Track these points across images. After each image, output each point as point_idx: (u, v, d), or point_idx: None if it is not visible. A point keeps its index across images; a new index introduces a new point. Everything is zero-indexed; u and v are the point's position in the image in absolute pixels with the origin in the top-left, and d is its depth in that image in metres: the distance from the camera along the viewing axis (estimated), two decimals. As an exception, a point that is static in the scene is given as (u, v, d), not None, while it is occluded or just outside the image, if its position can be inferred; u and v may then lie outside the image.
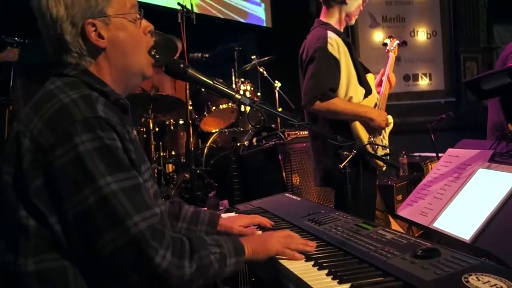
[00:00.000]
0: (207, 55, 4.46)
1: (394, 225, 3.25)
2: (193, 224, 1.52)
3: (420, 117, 5.53)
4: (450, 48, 6.92)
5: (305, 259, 1.24)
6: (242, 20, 6.35)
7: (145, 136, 4.06)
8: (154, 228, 1.03)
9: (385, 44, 2.90)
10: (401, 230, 2.28)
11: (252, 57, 4.81)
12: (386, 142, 2.57)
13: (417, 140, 4.14)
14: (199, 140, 4.61)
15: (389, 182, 3.54)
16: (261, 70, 4.74)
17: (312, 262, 1.20)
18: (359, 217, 1.50)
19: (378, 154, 2.39)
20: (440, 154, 3.33)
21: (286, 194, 2.05)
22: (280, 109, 4.65)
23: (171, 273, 1.02)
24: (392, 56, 2.82)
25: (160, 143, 4.23)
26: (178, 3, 3.74)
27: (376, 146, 2.43)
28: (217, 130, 4.51)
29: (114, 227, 1.00)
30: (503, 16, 6.63)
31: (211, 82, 1.51)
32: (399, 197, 3.52)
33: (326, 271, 1.13)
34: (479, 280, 0.96)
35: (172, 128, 4.37)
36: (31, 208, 1.04)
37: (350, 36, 2.58)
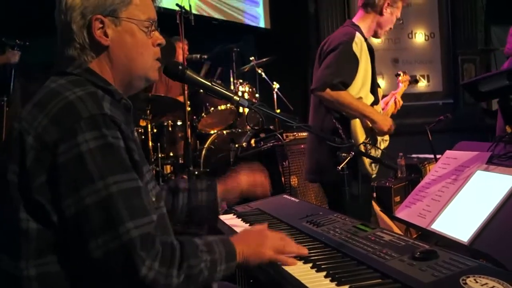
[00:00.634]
0: (205, 56, 4.46)
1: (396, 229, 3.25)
2: (193, 193, 1.53)
3: (418, 119, 5.53)
4: (448, 50, 6.92)
5: (303, 261, 1.24)
6: (240, 19, 6.34)
7: (143, 137, 4.06)
8: (145, 237, 1.01)
9: (397, 75, 3.11)
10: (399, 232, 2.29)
11: (251, 58, 4.81)
12: (384, 145, 2.58)
13: (415, 141, 4.15)
14: (197, 141, 4.60)
15: (387, 184, 3.55)
16: (259, 71, 4.74)
17: (311, 264, 1.20)
18: (357, 219, 1.50)
19: (379, 158, 2.41)
20: (438, 156, 3.34)
21: (284, 196, 2.05)
22: (278, 111, 4.66)
23: (158, 282, 1.01)
24: (402, 86, 3.01)
25: (158, 144, 4.22)
26: (177, 4, 3.74)
27: (369, 147, 2.43)
28: (215, 131, 4.50)
29: (107, 231, 0.99)
30: (500, 17, 6.64)
31: (210, 84, 1.50)
32: (397, 199, 3.53)
33: (324, 273, 1.13)
34: (477, 282, 0.96)
35: (170, 129, 4.37)
36: (33, 208, 1.03)
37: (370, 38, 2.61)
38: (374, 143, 2.50)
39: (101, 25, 1.16)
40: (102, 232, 0.99)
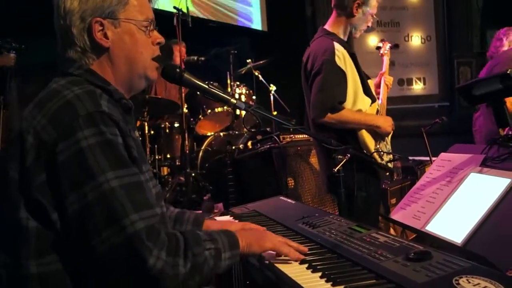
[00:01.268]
0: (202, 58, 4.47)
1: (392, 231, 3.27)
2: (178, 223, 1.52)
3: (414, 121, 5.56)
4: (444, 53, 6.97)
5: (299, 261, 1.25)
6: (237, 22, 6.36)
7: (140, 138, 4.06)
8: (151, 228, 1.02)
9: (378, 48, 2.99)
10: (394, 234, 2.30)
11: (248, 60, 4.83)
12: (389, 146, 2.61)
13: (411, 144, 4.17)
14: (194, 143, 4.61)
15: (384, 186, 3.56)
16: (256, 73, 4.76)
17: (306, 265, 1.21)
18: (353, 220, 1.51)
19: (384, 160, 2.46)
20: (433, 158, 3.36)
21: (280, 197, 2.06)
22: (275, 113, 4.67)
23: (166, 272, 1.02)
24: (386, 59, 2.91)
25: (155, 146, 4.23)
26: (174, 7, 3.76)
27: (382, 153, 2.47)
28: (213, 133, 4.52)
29: (111, 225, 1.00)
30: (496, 21, 6.69)
31: (207, 87, 1.52)
32: (393, 201, 3.54)
33: (320, 274, 1.15)
34: (469, 282, 0.98)
35: (167, 131, 4.38)
36: (33, 207, 1.04)
37: (349, 39, 2.59)
38: (385, 145, 2.54)
39: (101, 27, 1.18)
40: (106, 226, 1.00)
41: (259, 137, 3.92)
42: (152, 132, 4.26)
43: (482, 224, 1.31)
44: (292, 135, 3.58)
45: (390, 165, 2.57)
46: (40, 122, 1.06)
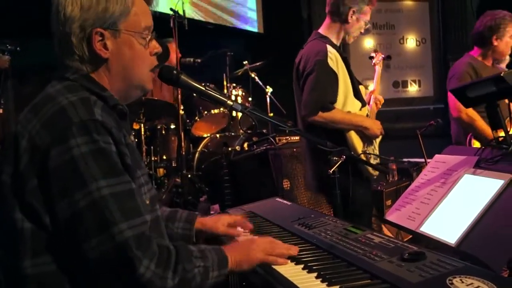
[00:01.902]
0: (199, 60, 4.47)
1: (386, 231, 3.28)
2: (171, 221, 1.52)
3: (409, 123, 5.58)
4: (439, 55, 7.00)
5: (294, 262, 1.26)
6: (233, 24, 6.37)
7: (136, 140, 4.06)
8: (140, 237, 1.03)
9: (371, 58, 3.01)
10: (390, 235, 2.32)
11: (244, 62, 4.84)
12: (376, 151, 2.63)
13: (406, 146, 4.19)
14: (191, 145, 4.61)
15: (379, 188, 3.58)
16: (252, 75, 4.77)
17: (302, 265, 1.22)
18: (348, 221, 1.53)
19: (371, 163, 2.47)
20: (428, 160, 3.38)
21: (276, 199, 2.07)
22: (271, 115, 4.68)
23: (154, 283, 1.03)
24: (378, 69, 2.94)
25: (151, 147, 4.23)
26: (171, 9, 3.76)
27: (369, 155, 2.50)
28: (209, 135, 4.52)
29: (101, 232, 1.01)
30: (491, 24, 6.75)
31: (203, 89, 1.53)
32: (389, 202, 3.56)
33: (315, 274, 1.16)
34: (463, 282, 0.99)
35: (163, 132, 4.37)
36: (27, 209, 1.05)
37: (341, 43, 2.61)
38: (372, 149, 2.56)
39: (100, 38, 1.17)
40: (96, 233, 1.01)
41: (255, 139, 3.94)
42: (148, 133, 4.25)
43: (475, 224, 1.33)
44: (288, 137, 3.60)
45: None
46: (35, 127, 1.06)
